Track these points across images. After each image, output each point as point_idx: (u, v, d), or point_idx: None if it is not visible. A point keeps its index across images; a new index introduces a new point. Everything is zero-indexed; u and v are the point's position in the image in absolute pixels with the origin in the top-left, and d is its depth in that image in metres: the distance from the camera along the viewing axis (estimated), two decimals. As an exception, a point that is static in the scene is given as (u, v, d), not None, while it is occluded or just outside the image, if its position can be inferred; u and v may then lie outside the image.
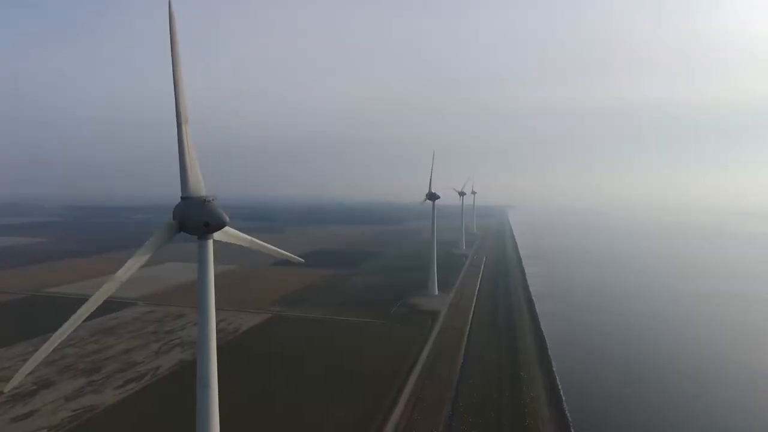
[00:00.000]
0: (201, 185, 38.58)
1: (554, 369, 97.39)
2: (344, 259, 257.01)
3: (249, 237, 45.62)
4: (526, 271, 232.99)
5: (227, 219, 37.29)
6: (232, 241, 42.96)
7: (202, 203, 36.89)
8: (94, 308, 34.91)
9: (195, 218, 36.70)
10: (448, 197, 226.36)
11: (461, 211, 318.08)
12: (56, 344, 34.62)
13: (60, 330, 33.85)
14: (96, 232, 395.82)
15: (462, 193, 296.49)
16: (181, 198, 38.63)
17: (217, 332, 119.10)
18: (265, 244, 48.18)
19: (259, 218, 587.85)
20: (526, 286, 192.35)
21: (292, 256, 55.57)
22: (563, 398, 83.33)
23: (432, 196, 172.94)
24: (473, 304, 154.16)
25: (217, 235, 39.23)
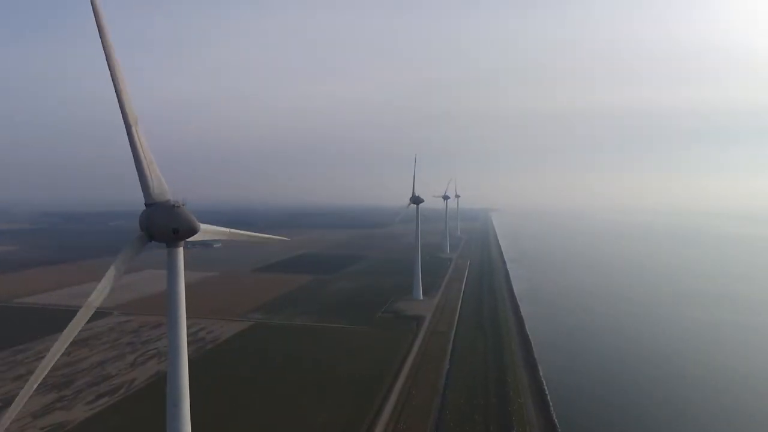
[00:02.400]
0: (165, 189, 35.73)
1: (540, 373, 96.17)
2: (327, 264, 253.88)
3: (227, 229, 45.13)
4: (510, 273, 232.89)
5: (198, 225, 34.82)
6: (210, 237, 41.43)
7: (170, 209, 34.30)
8: (70, 340, 32.16)
9: (163, 225, 34.12)
10: (432, 201, 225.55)
11: (445, 214, 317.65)
12: (39, 380, 32.57)
13: (38, 369, 32.12)
14: (70, 240, 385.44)
15: (446, 197, 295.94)
16: (146, 205, 35.96)
17: (196, 341, 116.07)
18: (245, 233, 48.73)
19: (240, 223, 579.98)
20: (510, 289, 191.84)
21: (274, 237, 57.48)
22: (550, 403, 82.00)
23: (416, 200, 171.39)
24: (458, 308, 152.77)
25: (197, 234, 36.90)
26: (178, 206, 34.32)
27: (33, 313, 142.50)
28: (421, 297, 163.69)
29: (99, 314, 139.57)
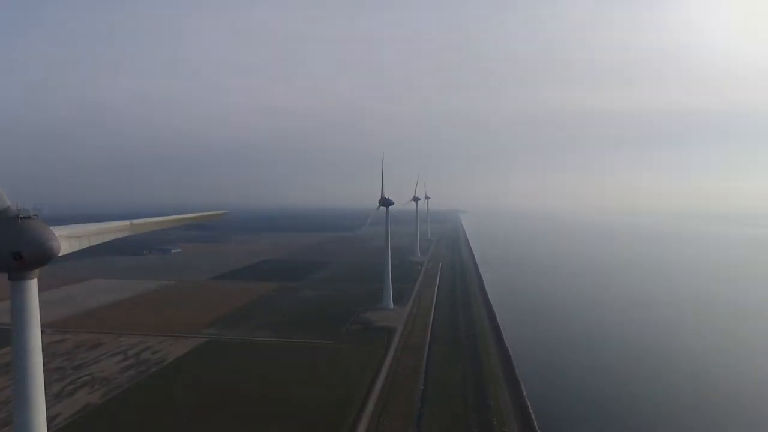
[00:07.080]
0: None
1: (524, 393, 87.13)
2: (291, 270, 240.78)
3: (127, 222, 36.43)
4: (483, 276, 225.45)
5: (58, 245, 22.96)
6: (99, 240, 32.79)
7: (12, 221, 21.99)
8: None
9: (-2, 246, 22.01)
10: (401, 203, 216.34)
11: (416, 217, 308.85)
12: None
13: None
14: None
15: (416, 199, 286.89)
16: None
17: (139, 364, 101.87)
18: (162, 219, 41.20)
19: (201, 227, 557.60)
20: (484, 294, 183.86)
21: (205, 214, 49.99)
22: None
23: (385, 203, 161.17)
24: (431, 318, 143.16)
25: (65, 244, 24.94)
26: (27, 217, 22.33)
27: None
28: (392, 306, 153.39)
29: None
